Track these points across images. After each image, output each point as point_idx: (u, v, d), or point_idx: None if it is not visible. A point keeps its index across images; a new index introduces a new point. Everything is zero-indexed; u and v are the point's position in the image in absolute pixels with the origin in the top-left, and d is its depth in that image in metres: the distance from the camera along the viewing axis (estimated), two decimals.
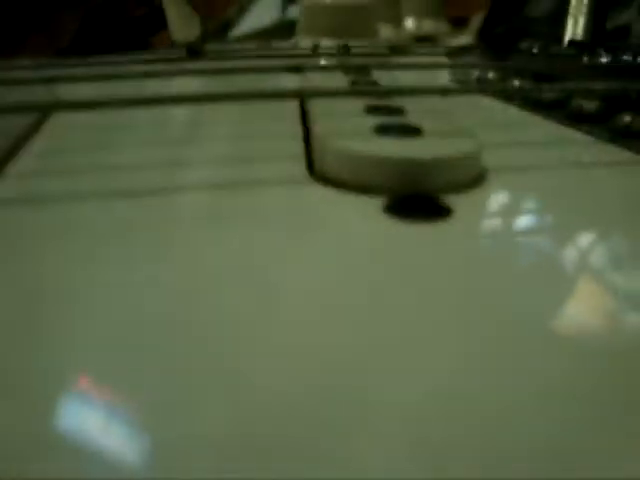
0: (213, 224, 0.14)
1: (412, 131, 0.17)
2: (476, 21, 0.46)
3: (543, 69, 0.27)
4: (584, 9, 0.29)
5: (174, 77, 0.26)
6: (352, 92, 0.22)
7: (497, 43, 0.34)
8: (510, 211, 0.15)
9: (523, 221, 0.15)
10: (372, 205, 0.14)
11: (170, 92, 0.21)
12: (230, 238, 0.13)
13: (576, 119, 0.23)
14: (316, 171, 0.16)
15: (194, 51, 0.32)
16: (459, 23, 0.54)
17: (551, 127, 0.22)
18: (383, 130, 0.17)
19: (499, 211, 0.15)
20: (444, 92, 0.21)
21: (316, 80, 0.26)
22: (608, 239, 0.14)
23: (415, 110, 0.19)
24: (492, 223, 0.14)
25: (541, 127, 0.23)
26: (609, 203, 0.16)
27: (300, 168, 0.16)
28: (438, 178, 0.15)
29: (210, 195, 0.15)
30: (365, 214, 0.14)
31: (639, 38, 0.27)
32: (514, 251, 0.13)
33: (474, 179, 0.16)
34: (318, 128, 0.17)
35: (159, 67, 0.29)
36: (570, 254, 0.13)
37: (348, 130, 0.17)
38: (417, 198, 0.15)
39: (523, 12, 0.35)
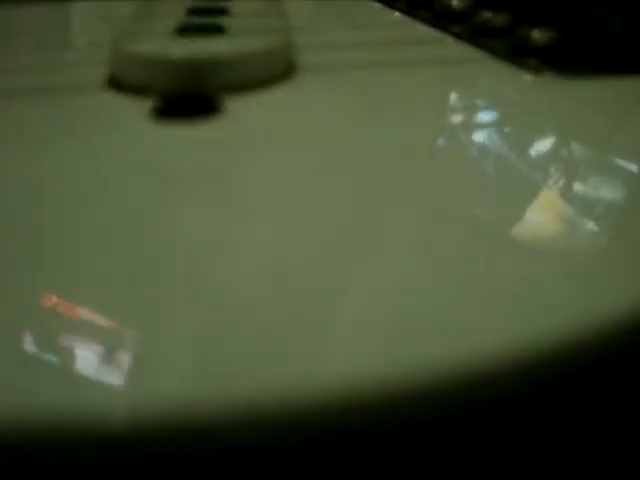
0: None
1: (214, 30, 0.16)
2: None
3: None
4: None
5: None
6: None
7: None
8: (291, 113, 0.14)
9: (294, 118, 0.14)
10: (140, 108, 0.14)
11: None
12: None
13: (443, 18, 0.22)
14: (107, 75, 0.15)
15: None
16: None
17: (416, 28, 0.21)
18: (184, 31, 0.16)
19: (271, 113, 0.14)
20: None
21: None
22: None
23: (241, 11, 0.18)
24: (257, 124, 0.14)
25: (403, 27, 0.22)
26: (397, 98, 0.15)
27: (99, 74, 0.16)
28: (214, 78, 0.14)
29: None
30: (129, 117, 0.13)
31: None
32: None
33: (272, 78, 0.15)
34: (117, 31, 0.16)
35: None
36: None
37: (147, 32, 0.16)
38: (193, 99, 0.14)
39: None
